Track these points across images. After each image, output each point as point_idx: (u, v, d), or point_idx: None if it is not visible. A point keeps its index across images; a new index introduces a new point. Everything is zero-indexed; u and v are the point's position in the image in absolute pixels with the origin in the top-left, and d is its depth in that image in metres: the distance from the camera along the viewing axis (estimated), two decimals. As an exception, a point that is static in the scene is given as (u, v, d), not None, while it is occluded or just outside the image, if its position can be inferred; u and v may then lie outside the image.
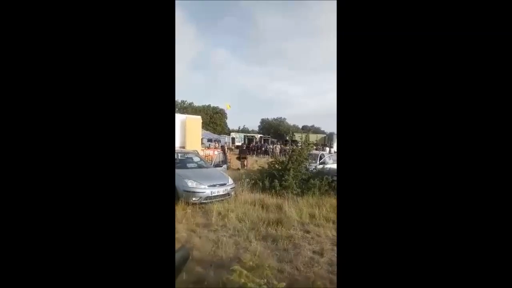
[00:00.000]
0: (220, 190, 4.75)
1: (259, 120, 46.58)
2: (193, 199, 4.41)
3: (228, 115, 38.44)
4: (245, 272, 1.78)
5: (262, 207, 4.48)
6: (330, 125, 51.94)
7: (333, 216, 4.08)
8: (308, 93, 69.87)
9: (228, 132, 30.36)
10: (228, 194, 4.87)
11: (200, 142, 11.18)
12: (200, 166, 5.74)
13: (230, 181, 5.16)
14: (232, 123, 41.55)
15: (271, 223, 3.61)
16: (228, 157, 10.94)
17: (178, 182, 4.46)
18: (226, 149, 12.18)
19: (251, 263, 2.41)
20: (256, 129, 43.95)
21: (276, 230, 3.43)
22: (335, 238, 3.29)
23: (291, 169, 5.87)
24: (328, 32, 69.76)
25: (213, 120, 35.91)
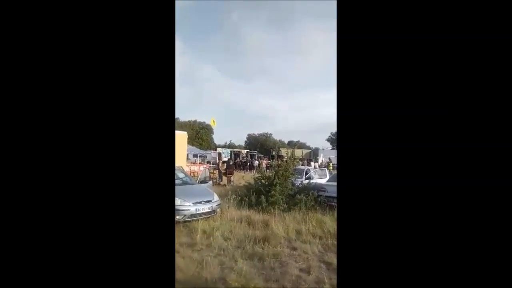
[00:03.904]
0: (206, 207, 4.63)
1: (246, 135, 46.88)
2: (177, 217, 4.25)
3: (214, 130, 38.36)
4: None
5: (249, 224, 4.40)
6: (315, 141, 52.87)
7: (320, 231, 4.07)
8: (293, 109, 71.73)
9: (214, 148, 30.13)
10: (214, 211, 4.76)
11: (186, 158, 10.99)
12: (185, 183, 5.60)
13: (216, 197, 5.06)
14: (218, 138, 41.43)
15: (257, 241, 3.54)
16: (215, 174, 10.80)
17: (161, 200, 4.29)
18: (220, 164, 12.02)
19: (236, 283, 2.33)
20: (243, 144, 44.03)
21: (262, 248, 3.36)
22: (322, 254, 3.26)
23: (278, 185, 5.86)
24: (310, 50, 73.23)
25: (199, 135, 35.66)
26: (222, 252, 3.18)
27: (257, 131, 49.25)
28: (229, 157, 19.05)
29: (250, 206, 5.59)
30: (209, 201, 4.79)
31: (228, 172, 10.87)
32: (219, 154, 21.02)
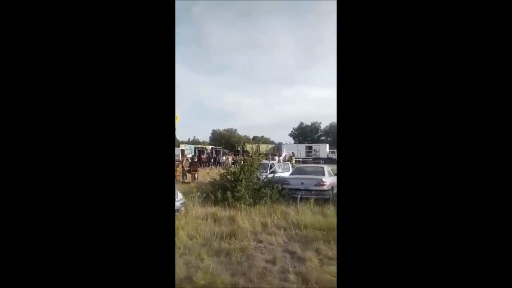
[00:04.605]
0: (169, 207, 4.45)
1: (210, 131, 45.99)
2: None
3: (177, 127, 36.73)
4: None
5: (215, 220, 4.36)
6: (279, 135, 54.26)
7: (284, 223, 4.24)
8: (257, 105, 72.54)
9: (177, 144, 28.98)
10: (178, 210, 4.60)
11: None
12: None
13: (180, 196, 4.89)
14: (181, 134, 39.83)
15: (224, 237, 3.54)
16: (178, 171, 10.39)
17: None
18: (184, 161, 11.55)
19: (203, 282, 2.30)
20: (207, 140, 43.12)
21: (229, 243, 3.37)
22: (286, 245, 3.41)
23: (243, 180, 5.91)
24: (273, 47, 74.45)
25: (160, 131, 33.75)
26: (188, 251, 3.11)
27: (222, 126, 48.74)
28: (193, 154, 18.49)
29: (216, 202, 5.54)
30: (173, 200, 4.61)
31: (193, 169, 10.57)
32: (182, 151, 20.26)
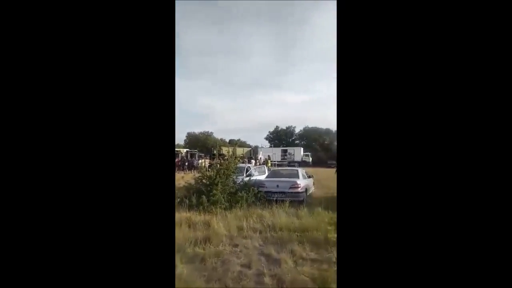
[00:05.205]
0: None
1: (185, 134, 44.77)
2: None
3: (149, 128, 35.16)
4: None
5: (189, 226, 4.24)
6: (255, 139, 54.53)
7: (260, 226, 4.26)
8: (233, 108, 72.37)
9: (149, 147, 27.67)
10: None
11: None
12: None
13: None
14: (154, 137, 38.08)
15: (199, 242, 3.46)
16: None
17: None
18: None
19: (176, 290, 2.22)
20: (182, 143, 41.90)
21: (204, 248, 3.30)
22: (262, 248, 3.43)
23: (219, 183, 5.84)
24: (249, 52, 75.13)
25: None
26: (160, 259, 2.98)
27: (197, 129, 47.72)
28: (166, 157, 17.80)
29: (190, 207, 5.40)
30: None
31: (166, 173, 10.16)
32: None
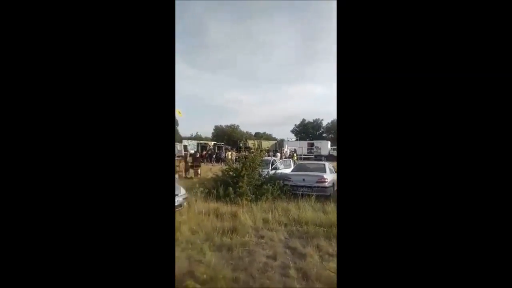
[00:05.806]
0: (171, 202, 4.50)
1: (213, 127, 46.01)
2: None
3: (179, 122, 36.85)
4: (198, 286, 1.73)
5: (217, 216, 4.41)
6: (281, 132, 54.12)
7: (285, 219, 4.28)
8: (259, 102, 72.30)
9: (180, 140, 29.09)
10: (180, 205, 4.65)
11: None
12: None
13: (183, 191, 4.94)
14: (184, 130, 39.94)
15: (226, 232, 3.58)
16: (180, 167, 10.46)
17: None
18: (187, 157, 11.65)
19: (205, 276, 2.35)
20: (210, 136, 43.17)
21: (231, 238, 3.41)
22: (287, 241, 3.45)
23: (245, 176, 5.94)
24: (272, 48, 73.79)
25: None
26: (190, 246, 3.16)
27: (224, 123, 48.71)
28: (195, 150, 18.55)
29: (218, 198, 5.59)
30: (176, 195, 4.66)
31: (195, 164, 10.63)
32: (185, 146, 20.34)
